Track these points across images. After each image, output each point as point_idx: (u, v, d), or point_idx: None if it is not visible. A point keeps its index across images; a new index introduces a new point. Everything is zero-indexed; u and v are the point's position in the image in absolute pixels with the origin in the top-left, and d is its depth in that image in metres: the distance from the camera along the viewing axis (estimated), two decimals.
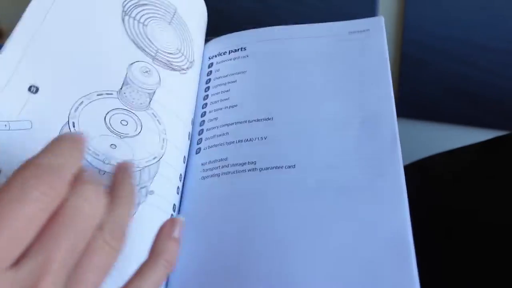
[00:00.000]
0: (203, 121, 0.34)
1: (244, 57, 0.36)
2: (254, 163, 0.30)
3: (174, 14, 0.31)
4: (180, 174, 0.31)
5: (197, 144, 0.33)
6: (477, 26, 0.65)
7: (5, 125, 0.25)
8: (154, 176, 0.28)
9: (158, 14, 0.31)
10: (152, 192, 0.28)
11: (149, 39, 0.30)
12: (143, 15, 0.30)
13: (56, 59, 0.27)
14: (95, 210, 0.19)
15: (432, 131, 0.72)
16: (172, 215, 0.29)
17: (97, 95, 0.27)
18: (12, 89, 0.26)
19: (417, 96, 0.71)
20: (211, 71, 0.36)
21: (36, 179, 0.17)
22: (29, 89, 0.26)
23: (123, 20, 0.29)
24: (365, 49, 0.34)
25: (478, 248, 0.34)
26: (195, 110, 0.35)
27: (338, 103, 0.32)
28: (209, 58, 0.37)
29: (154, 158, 0.28)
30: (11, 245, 0.17)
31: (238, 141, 0.31)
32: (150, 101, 0.29)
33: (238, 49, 0.36)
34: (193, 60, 0.33)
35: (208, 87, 0.35)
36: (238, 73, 0.35)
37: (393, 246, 0.25)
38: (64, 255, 0.17)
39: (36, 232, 0.17)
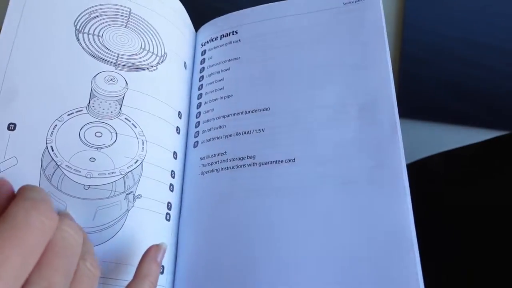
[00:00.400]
0: (199, 112, 0.34)
1: (236, 41, 0.35)
2: (254, 157, 0.30)
3: (129, 16, 0.32)
4: (172, 171, 0.31)
5: (195, 137, 0.33)
6: (477, 25, 0.66)
7: None
8: (139, 180, 0.28)
9: (112, 21, 0.31)
10: (139, 196, 0.28)
11: (107, 48, 0.30)
12: (97, 27, 0.31)
13: (26, 92, 0.29)
14: (78, 240, 0.22)
15: (432, 131, 0.73)
16: (168, 214, 0.29)
17: (68, 115, 0.29)
18: None
19: (417, 96, 0.71)
20: (204, 59, 0.36)
21: (37, 210, 0.20)
22: (8, 127, 0.28)
23: (77, 38, 0.30)
24: (361, 23, 0.32)
25: (478, 248, 0.33)
26: (190, 101, 0.35)
27: (335, 87, 0.31)
28: (202, 45, 0.37)
29: (136, 162, 0.29)
30: (21, 271, 0.19)
31: (236, 134, 0.31)
32: (120, 107, 0.29)
33: (229, 33, 0.35)
34: (165, 53, 0.32)
35: (202, 77, 0.35)
36: (231, 59, 0.34)
37: (395, 238, 0.25)
38: (63, 280, 0.20)
39: (37, 259, 0.19)
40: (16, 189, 0.26)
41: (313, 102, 0.30)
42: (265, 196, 0.28)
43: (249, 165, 0.30)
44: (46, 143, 0.28)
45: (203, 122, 0.33)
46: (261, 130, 0.30)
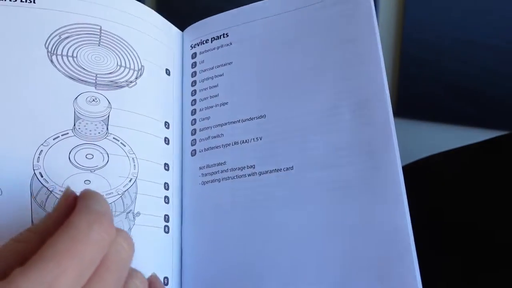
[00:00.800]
0: (194, 120, 0.34)
1: (227, 45, 0.35)
2: (253, 166, 0.31)
3: (101, 33, 0.32)
4: (165, 183, 0.32)
5: (192, 145, 0.33)
6: (477, 25, 0.65)
7: None
8: (135, 197, 0.29)
9: (84, 41, 0.31)
10: (138, 214, 0.29)
11: (83, 69, 0.30)
12: (69, 48, 0.30)
13: (2, 119, 0.27)
14: (129, 255, 0.22)
15: (432, 131, 0.73)
16: (166, 226, 0.30)
17: (54, 139, 0.28)
18: None
19: (417, 96, 0.71)
20: (195, 63, 0.36)
21: (99, 225, 0.20)
22: None
23: (51, 61, 0.29)
24: (350, 18, 0.32)
25: (479, 248, 0.34)
26: (183, 108, 0.35)
27: (328, 89, 0.31)
28: (191, 47, 0.37)
29: (130, 180, 0.29)
30: (75, 285, 0.19)
31: (234, 143, 0.32)
32: (107, 126, 0.30)
33: (220, 36, 0.35)
34: (142, 66, 0.33)
35: (195, 81, 0.35)
36: (224, 64, 0.35)
37: (392, 240, 0.26)
38: None
39: (91, 273, 0.20)
40: (5, 221, 0.25)
41: (306, 106, 0.31)
42: (266, 206, 0.29)
43: (249, 174, 0.31)
44: (33, 169, 0.27)
45: (200, 130, 0.33)
46: (259, 139, 0.31)
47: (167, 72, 0.35)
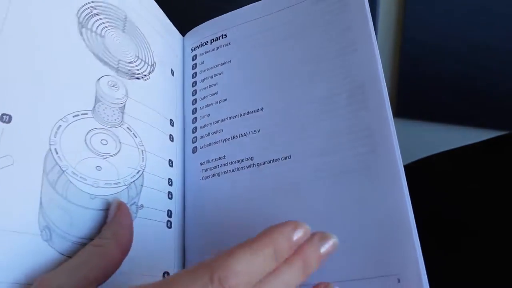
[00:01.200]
0: (195, 118, 0.35)
1: (226, 45, 0.36)
2: (252, 158, 0.31)
3: (126, 20, 0.31)
4: (169, 179, 0.32)
5: (193, 143, 0.34)
6: (477, 25, 0.65)
7: None
8: (141, 190, 0.29)
9: (112, 22, 0.30)
10: (142, 207, 0.29)
11: (109, 51, 0.30)
12: (99, 25, 0.29)
13: (24, 82, 0.25)
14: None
15: (432, 131, 0.73)
16: (169, 221, 0.31)
17: (73, 116, 0.27)
18: None
19: (416, 96, 0.71)
20: (195, 64, 0.37)
21: None
22: (1, 118, 0.24)
23: (80, 33, 0.28)
24: (343, 8, 0.33)
25: (479, 247, 0.35)
26: (184, 107, 0.36)
27: (323, 78, 0.31)
28: (192, 50, 0.37)
29: (138, 172, 0.29)
30: None
31: (233, 137, 0.33)
32: (123, 115, 0.29)
33: (219, 37, 0.36)
34: (154, 62, 0.33)
35: (196, 82, 0.36)
36: (223, 63, 0.35)
37: (393, 223, 0.26)
38: None
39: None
40: (12, 195, 0.23)
41: (302, 97, 0.31)
42: (265, 196, 0.30)
43: (248, 166, 0.31)
44: (50, 144, 0.25)
45: (200, 127, 0.34)
46: (257, 131, 0.32)
47: (172, 72, 0.36)
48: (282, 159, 0.31)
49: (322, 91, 0.31)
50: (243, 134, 0.33)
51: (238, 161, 0.32)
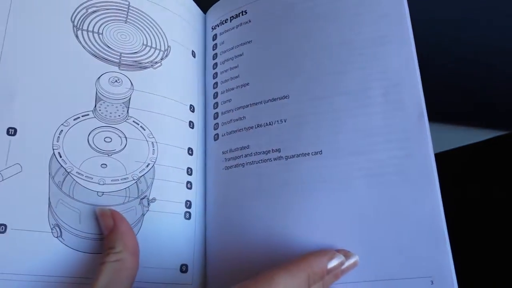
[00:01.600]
0: (217, 103, 0.34)
1: (246, 22, 0.34)
2: (279, 150, 0.30)
3: (128, 10, 0.31)
4: (188, 168, 0.32)
5: (214, 129, 0.33)
6: (477, 25, 0.65)
7: None
8: (152, 183, 0.30)
9: (111, 16, 0.31)
10: (154, 200, 0.30)
11: (108, 47, 0.30)
12: (96, 23, 0.30)
13: (24, 93, 0.28)
14: None
15: (432, 131, 0.70)
16: (187, 212, 0.31)
17: (74, 119, 0.28)
18: None
19: None
20: (216, 45, 0.35)
21: None
22: (7, 132, 0.27)
23: (76, 36, 0.29)
24: None
25: (479, 247, 0.35)
26: (205, 92, 0.35)
27: (357, 69, 0.30)
28: (212, 29, 0.36)
29: (148, 166, 0.30)
30: None
31: (257, 126, 0.31)
32: (127, 109, 0.30)
33: (239, 14, 0.34)
34: (168, 47, 0.32)
35: (216, 64, 0.35)
36: (244, 43, 0.34)
37: (427, 229, 0.26)
38: None
39: None
40: (23, 201, 0.26)
41: (334, 88, 0.30)
42: (294, 191, 0.29)
43: (275, 159, 0.30)
44: (53, 149, 0.28)
45: (222, 113, 0.33)
46: (283, 121, 0.30)
47: (193, 54, 0.34)
48: (313, 154, 0.29)
49: (356, 83, 0.29)
50: (268, 123, 0.31)
51: (264, 152, 0.30)
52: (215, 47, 0.35)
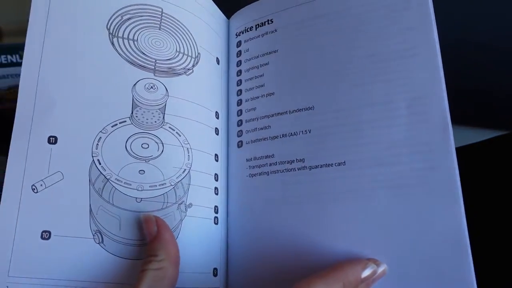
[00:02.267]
0: (240, 110, 0.34)
1: (272, 32, 0.35)
2: (303, 160, 0.31)
3: (162, 16, 0.32)
4: (216, 174, 0.32)
5: (238, 136, 0.34)
6: (477, 25, 0.66)
7: (41, 185, 0.28)
8: (188, 189, 0.30)
9: (145, 23, 0.31)
10: (190, 205, 0.30)
11: (143, 53, 0.30)
12: (130, 30, 0.30)
13: (63, 102, 0.28)
14: None
15: None
16: (216, 217, 0.32)
17: (112, 126, 0.29)
18: (34, 144, 0.28)
19: None
20: (240, 52, 0.36)
21: None
22: (48, 141, 0.28)
23: (112, 43, 0.30)
24: (406, 4, 0.31)
25: (479, 248, 0.34)
26: (228, 98, 0.35)
27: (382, 81, 0.30)
28: (236, 36, 0.37)
29: (184, 171, 0.30)
30: None
31: (282, 135, 0.32)
32: (163, 115, 0.30)
33: (264, 22, 0.35)
34: (198, 54, 0.33)
35: (240, 71, 0.35)
36: (270, 53, 0.34)
37: (451, 242, 0.27)
38: None
39: None
40: (65, 208, 0.27)
41: (359, 99, 0.30)
42: (317, 201, 0.30)
43: (299, 168, 0.31)
44: (92, 156, 0.28)
45: (246, 121, 0.34)
46: (308, 131, 0.31)
47: (217, 60, 0.35)
48: (336, 164, 0.30)
49: (380, 95, 0.30)
50: (292, 133, 0.32)
51: (288, 162, 0.31)
52: (239, 54, 0.36)
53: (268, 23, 0.35)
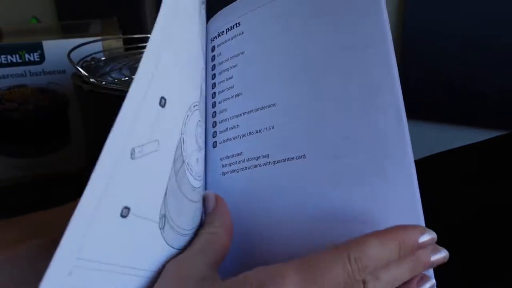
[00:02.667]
0: (215, 112, 0.35)
1: (240, 34, 0.35)
2: (267, 156, 0.32)
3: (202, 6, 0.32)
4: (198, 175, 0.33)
5: (213, 137, 0.34)
6: (477, 25, 0.66)
7: (140, 151, 0.22)
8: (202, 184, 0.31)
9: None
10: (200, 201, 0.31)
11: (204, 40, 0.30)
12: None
13: (173, 68, 0.24)
14: None
15: (432, 131, 0.74)
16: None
17: (193, 106, 0.27)
18: (147, 102, 0.22)
19: (417, 96, 0.72)
20: (214, 56, 0.36)
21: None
22: (160, 102, 0.23)
23: (200, 12, 0.28)
24: None
25: (479, 247, 0.35)
26: (206, 101, 0.36)
27: (336, 75, 0.30)
28: (211, 41, 0.36)
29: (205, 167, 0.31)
30: None
31: (249, 133, 0.33)
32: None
33: (233, 26, 0.36)
34: None
35: (214, 75, 0.36)
36: (238, 55, 0.35)
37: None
38: None
39: None
40: (150, 182, 0.23)
41: (316, 92, 0.31)
42: (281, 195, 0.30)
43: (264, 164, 0.32)
44: (181, 134, 0.25)
45: (219, 122, 0.34)
46: (271, 128, 0.32)
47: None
48: (297, 158, 0.30)
49: (336, 87, 0.30)
50: (258, 131, 0.33)
51: (255, 158, 0.33)
52: (213, 58, 0.37)
53: (236, 26, 0.36)
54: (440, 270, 0.33)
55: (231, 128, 0.34)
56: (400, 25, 0.71)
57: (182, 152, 0.26)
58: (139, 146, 0.22)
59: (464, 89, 0.71)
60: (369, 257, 0.23)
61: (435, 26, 0.70)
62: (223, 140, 0.35)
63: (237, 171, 0.33)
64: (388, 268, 0.24)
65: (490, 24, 0.67)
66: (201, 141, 0.29)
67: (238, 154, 0.33)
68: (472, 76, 0.71)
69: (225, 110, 0.35)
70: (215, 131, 0.35)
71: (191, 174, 0.27)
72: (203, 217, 0.30)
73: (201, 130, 0.29)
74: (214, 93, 0.37)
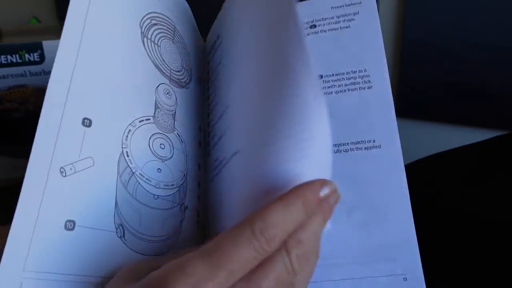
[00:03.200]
0: (208, 123, 0.37)
1: (219, 44, 0.37)
2: (225, 158, 0.33)
3: (175, 31, 0.34)
4: (198, 183, 0.35)
5: (207, 146, 0.37)
6: (477, 25, 0.68)
7: (71, 168, 0.25)
8: (185, 192, 0.32)
9: (166, 33, 0.33)
10: (187, 207, 0.32)
11: (163, 60, 0.32)
12: (156, 35, 0.32)
13: (100, 89, 0.27)
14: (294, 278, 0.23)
15: (432, 131, 0.77)
16: (198, 221, 0.34)
17: (139, 121, 0.29)
18: (67, 125, 0.25)
19: (417, 96, 0.73)
20: (208, 70, 0.38)
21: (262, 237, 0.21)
22: (83, 123, 0.26)
23: (143, 42, 0.31)
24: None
25: (478, 247, 0.36)
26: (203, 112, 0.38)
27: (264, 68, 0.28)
28: (208, 54, 0.39)
29: (184, 176, 0.32)
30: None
31: (219, 140, 0.35)
32: (174, 122, 0.32)
33: (216, 40, 0.38)
34: (191, 71, 0.36)
35: (209, 88, 0.38)
36: (218, 64, 0.37)
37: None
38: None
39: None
40: (93, 197, 0.26)
41: (250, 89, 0.30)
42: (232, 191, 0.30)
43: (223, 166, 0.33)
44: (122, 147, 0.28)
45: (210, 132, 0.37)
46: (226, 131, 0.33)
47: (199, 80, 0.39)
48: (233, 154, 0.31)
49: (260, 78, 0.29)
50: (221, 136, 0.34)
51: (219, 162, 0.34)
52: (208, 73, 0.39)
53: (218, 38, 0.38)
54: (440, 270, 0.33)
55: (214, 136, 0.36)
56: (400, 25, 0.71)
57: (128, 165, 0.28)
58: (69, 164, 0.25)
59: (464, 89, 0.71)
60: (274, 224, 0.21)
61: (435, 26, 0.69)
62: (212, 148, 0.36)
63: (216, 175, 0.34)
64: (304, 227, 0.23)
65: (490, 24, 0.66)
66: (167, 151, 0.31)
67: (216, 160, 0.35)
68: (472, 76, 0.70)
69: (212, 120, 0.37)
70: (208, 141, 0.37)
71: (148, 183, 0.29)
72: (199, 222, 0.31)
73: (163, 142, 0.31)
74: (209, 104, 0.39)
